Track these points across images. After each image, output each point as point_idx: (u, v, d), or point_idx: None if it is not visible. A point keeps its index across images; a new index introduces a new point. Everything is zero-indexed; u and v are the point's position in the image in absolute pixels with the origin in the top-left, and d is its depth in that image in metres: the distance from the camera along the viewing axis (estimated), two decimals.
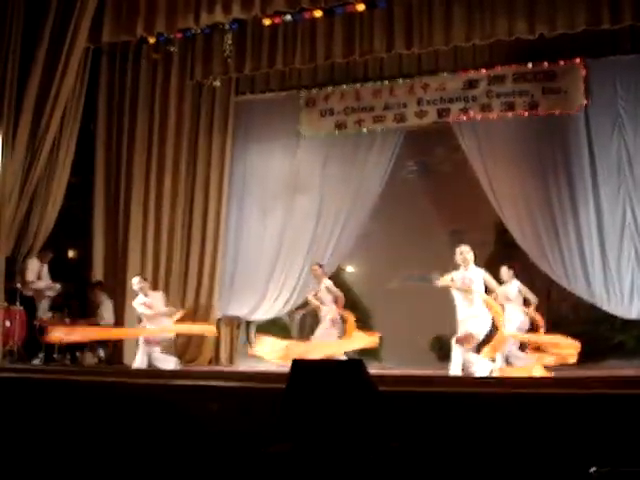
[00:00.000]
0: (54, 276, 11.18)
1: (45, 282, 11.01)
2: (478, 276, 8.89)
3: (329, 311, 10.15)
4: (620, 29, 9.81)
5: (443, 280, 8.87)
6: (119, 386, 6.99)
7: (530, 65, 10.86)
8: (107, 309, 11.19)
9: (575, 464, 4.13)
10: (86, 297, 11.44)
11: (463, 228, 10.19)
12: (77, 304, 11.35)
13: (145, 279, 10.55)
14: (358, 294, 11.65)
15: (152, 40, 11.27)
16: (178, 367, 10.04)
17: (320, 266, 10.38)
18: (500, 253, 10.62)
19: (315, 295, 10.35)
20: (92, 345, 10.89)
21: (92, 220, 11.70)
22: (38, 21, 10.34)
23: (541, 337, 9.29)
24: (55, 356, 10.66)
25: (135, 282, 10.34)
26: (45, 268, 11.03)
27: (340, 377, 3.87)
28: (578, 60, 10.65)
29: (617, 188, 10.45)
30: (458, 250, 8.92)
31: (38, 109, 10.32)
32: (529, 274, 9.85)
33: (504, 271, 9.65)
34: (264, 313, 11.93)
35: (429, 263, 10.98)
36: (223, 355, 11.88)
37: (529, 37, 9.92)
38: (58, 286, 11.06)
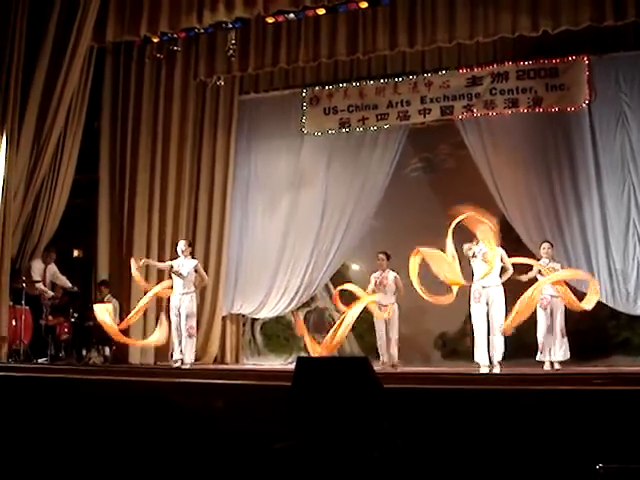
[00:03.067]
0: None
1: (63, 285, 11.05)
2: (497, 252, 9.12)
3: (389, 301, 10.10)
4: (623, 25, 9.81)
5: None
6: (125, 385, 7.01)
7: (533, 62, 10.85)
8: (112, 308, 11.21)
9: (581, 461, 4.13)
10: (91, 297, 11.47)
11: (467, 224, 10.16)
12: (82, 303, 11.36)
13: (190, 245, 10.59)
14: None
15: (156, 39, 11.30)
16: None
17: (387, 256, 10.30)
18: (504, 248, 10.60)
19: (379, 282, 10.15)
20: (98, 344, 10.93)
21: (97, 219, 11.71)
22: (42, 21, 10.37)
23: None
24: (61, 355, 10.70)
25: (182, 244, 10.35)
26: (52, 269, 11.03)
27: (345, 374, 3.87)
28: (581, 56, 10.63)
29: (621, 184, 10.44)
30: (479, 228, 9.09)
31: (43, 108, 10.35)
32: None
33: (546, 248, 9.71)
34: (269, 311, 11.95)
35: None
36: (229, 353, 11.91)
37: (533, 34, 9.93)
38: (69, 285, 11.10)
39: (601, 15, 9.43)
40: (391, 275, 10.17)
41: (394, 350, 10.03)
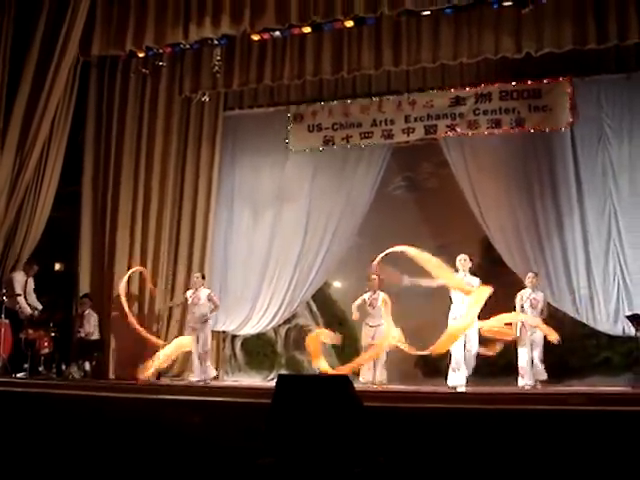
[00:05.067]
0: (41, 288, 11.12)
1: (31, 303, 10.94)
2: (474, 282, 9.61)
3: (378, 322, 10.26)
4: (605, 49, 9.97)
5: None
6: (105, 400, 6.98)
7: (516, 83, 10.95)
8: (91, 323, 11.16)
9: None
10: (72, 311, 11.40)
11: (449, 243, 10.23)
12: (62, 317, 11.29)
13: (203, 277, 11.25)
14: (344, 308, 11.65)
15: (141, 54, 11.30)
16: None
17: (379, 277, 10.38)
18: (486, 268, 10.67)
19: (369, 304, 10.34)
20: (78, 358, 10.88)
21: (79, 232, 11.67)
22: (28, 33, 10.36)
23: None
24: (40, 369, 10.61)
25: (197, 276, 11.17)
26: (31, 283, 10.96)
27: (326, 392, 3.88)
28: (564, 78, 10.74)
29: (602, 204, 10.54)
30: (458, 257, 9.68)
31: (27, 121, 10.33)
32: (515, 289, 9.90)
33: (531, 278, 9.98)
34: (252, 328, 11.91)
35: (416, 278, 11.03)
36: None
37: (516, 56, 10.03)
38: (40, 307, 10.99)
39: (583, 38, 9.56)
40: (381, 296, 10.28)
41: (381, 370, 10.08)
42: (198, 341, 10.73)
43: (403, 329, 9.88)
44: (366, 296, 10.36)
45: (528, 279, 9.95)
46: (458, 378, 9.53)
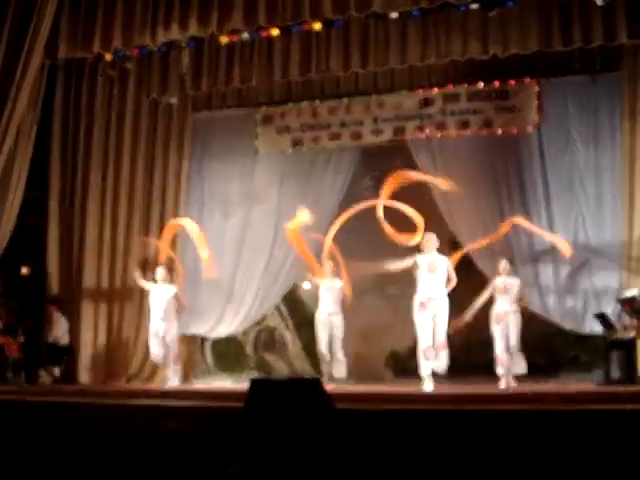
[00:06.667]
0: (9, 294, 11.01)
1: None
2: (442, 262, 9.40)
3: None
4: (571, 50, 10.06)
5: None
6: (75, 406, 6.92)
7: (484, 84, 11.03)
8: (61, 327, 11.07)
9: None
10: (40, 315, 11.30)
11: (417, 244, 10.20)
12: (31, 323, 11.19)
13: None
14: (314, 310, 11.65)
15: (109, 57, 11.24)
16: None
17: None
18: (455, 268, 10.71)
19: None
20: (47, 364, 10.80)
21: (47, 237, 11.58)
22: None
23: None
24: (9, 375, 10.51)
25: (161, 271, 10.70)
26: None
27: (297, 396, 3.89)
28: (532, 79, 10.84)
29: (569, 205, 10.64)
30: (424, 238, 9.38)
31: None
32: (484, 288, 9.94)
33: (504, 265, 9.85)
34: (223, 330, 11.87)
35: (385, 279, 11.06)
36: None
37: (483, 57, 10.12)
38: None
39: (549, 41, 9.66)
40: (337, 284, 10.29)
41: (341, 365, 10.11)
42: (162, 340, 10.44)
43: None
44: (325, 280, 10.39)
45: (501, 266, 9.85)
46: (424, 368, 9.37)
